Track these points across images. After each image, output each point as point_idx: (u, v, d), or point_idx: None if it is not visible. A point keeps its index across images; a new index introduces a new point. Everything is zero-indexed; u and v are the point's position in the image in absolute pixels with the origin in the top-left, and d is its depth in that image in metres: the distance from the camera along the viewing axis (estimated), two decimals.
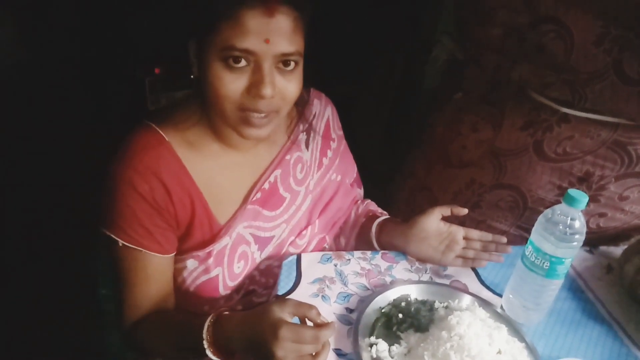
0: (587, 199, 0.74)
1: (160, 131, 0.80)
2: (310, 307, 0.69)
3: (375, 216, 1.05)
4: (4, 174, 1.86)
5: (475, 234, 0.95)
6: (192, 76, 0.79)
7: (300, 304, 0.69)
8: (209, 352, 0.71)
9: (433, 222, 0.94)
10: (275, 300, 0.70)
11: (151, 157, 0.78)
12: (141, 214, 0.79)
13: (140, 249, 0.80)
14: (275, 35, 0.71)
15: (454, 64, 1.35)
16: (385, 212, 1.08)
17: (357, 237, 1.05)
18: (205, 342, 0.70)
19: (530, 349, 0.78)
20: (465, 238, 0.95)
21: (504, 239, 0.94)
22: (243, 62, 0.72)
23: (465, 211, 0.94)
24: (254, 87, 0.73)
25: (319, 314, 0.69)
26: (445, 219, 0.95)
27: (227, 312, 0.75)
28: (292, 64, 0.75)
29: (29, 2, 1.93)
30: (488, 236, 0.95)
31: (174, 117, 0.83)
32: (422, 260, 0.96)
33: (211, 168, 0.85)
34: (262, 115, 0.76)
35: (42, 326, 1.59)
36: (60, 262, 1.72)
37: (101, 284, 0.96)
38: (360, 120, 2.24)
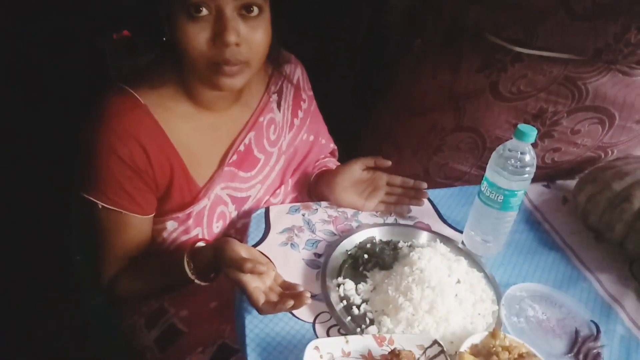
0: (535, 132, 0.77)
1: (135, 94, 0.80)
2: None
3: (320, 171, 1.06)
4: None
5: (397, 180, 0.98)
6: (164, 38, 0.77)
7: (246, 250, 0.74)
8: (194, 279, 0.80)
9: (355, 171, 0.97)
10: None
11: (129, 120, 0.78)
12: (122, 177, 0.79)
13: (121, 210, 0.82)
14: None
15: (413, 11, 1.35)
16: None
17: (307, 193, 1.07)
18: (189, 272, 0.79)
19: (489, 277, 0.83)
20: (388, 184, 0.98)
21: (425, 184, 0.97)
22: (204, 11, 0.72)
23: (388, 163, 0.96)
24: (218, 36, 0.73)
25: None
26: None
27: (198, 245, 0.82)
28: (255, 9, 0.74)
29: None
30: (409, 182, 0.98)
31: (146, 79, 0.82)
32: (345, 207, 0.98)
33: (188, 130, 0.85)
34: (234, 68, 0.76)
35: (22, 299, 1.60)
36: (33, 231, 1.71)
37: (77, 250, 0.97)
38: (329, 78, 2.22)
